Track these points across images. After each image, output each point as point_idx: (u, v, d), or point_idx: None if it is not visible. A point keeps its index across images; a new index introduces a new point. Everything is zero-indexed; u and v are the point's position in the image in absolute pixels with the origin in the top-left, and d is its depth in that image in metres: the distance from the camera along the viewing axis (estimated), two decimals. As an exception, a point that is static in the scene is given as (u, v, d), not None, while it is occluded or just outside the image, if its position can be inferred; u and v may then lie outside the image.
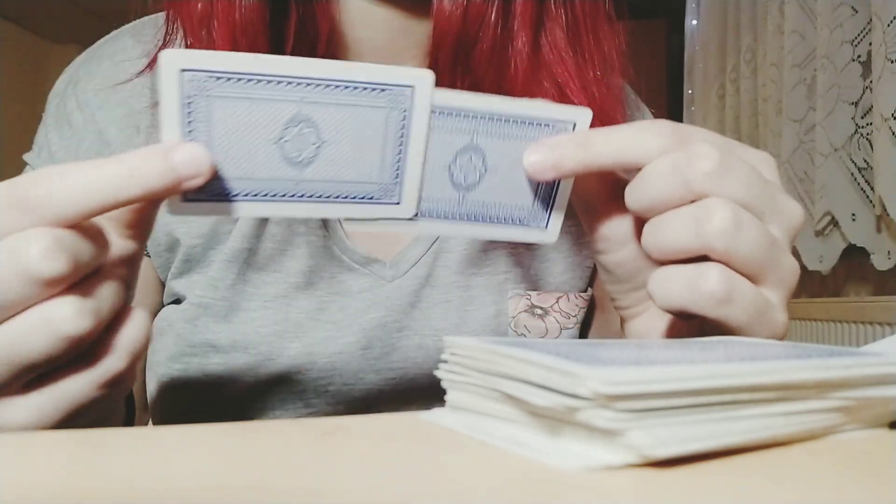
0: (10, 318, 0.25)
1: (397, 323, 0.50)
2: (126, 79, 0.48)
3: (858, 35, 1.42)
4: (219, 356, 0.47)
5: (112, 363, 0.28)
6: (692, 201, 0.30)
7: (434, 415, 0.25)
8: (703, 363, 0.20)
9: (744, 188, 0.30)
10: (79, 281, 0.26)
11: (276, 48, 0.43)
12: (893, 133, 1.25)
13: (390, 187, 0.30)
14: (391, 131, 0.30)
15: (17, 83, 3.15)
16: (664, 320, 0.35)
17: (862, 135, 1.42)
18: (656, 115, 0.61)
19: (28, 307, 0.25)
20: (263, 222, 0.48)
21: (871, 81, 1.34)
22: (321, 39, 0.44)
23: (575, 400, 0.18)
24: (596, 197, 0.34)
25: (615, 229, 0.33)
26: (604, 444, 0.18)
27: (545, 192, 0.33)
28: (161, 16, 0.50)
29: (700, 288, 0.29)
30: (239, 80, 0.26)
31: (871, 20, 1.33)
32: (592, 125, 0.32)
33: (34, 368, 0.26)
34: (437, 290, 0.51)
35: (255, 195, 0.28)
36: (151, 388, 0.51)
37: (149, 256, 0.49)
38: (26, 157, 0.50)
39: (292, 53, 0.43)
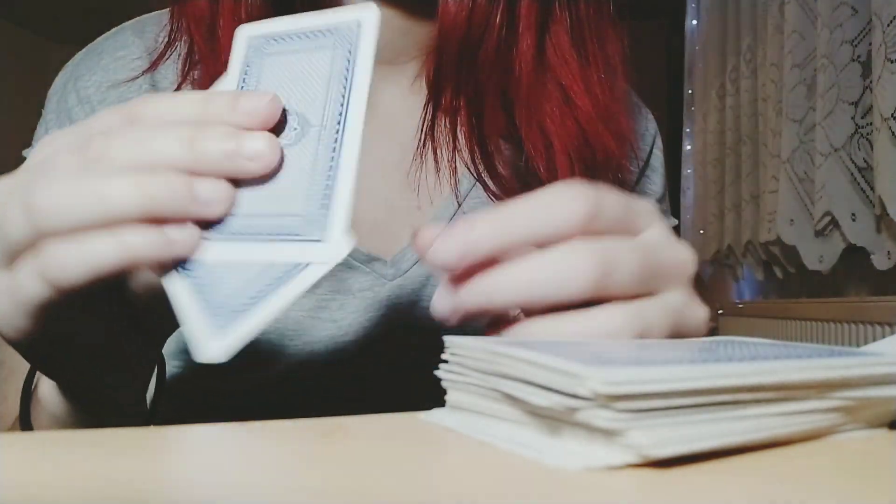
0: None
1: (398, 322, 0.50)
2: (127, 75, 0.48)
3: (858, 35, 1.42)
4: None
5: (182, 242, 0.26)
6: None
7: (434, 415, 0.25)
8: (703, 363, 0.20)
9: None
10: None
11: None
12: (893, 133, 1.25)
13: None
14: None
15: (17, 83, 3.15)
16: None
17: (862, 135, 1.42)
18: (656, 116, 0.61)
19: None
20: None
21: (871, 81, 1.34)
22: None
23: (575, 400, 0.18)
24: None
25: None
26: (604, 444, 0.18)
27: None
28: (163, 13, 0.50)
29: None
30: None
31: (870, 20, 1.32)
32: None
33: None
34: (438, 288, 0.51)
35: None
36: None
37: None
38: (26, 153, 0.50)
39: None
